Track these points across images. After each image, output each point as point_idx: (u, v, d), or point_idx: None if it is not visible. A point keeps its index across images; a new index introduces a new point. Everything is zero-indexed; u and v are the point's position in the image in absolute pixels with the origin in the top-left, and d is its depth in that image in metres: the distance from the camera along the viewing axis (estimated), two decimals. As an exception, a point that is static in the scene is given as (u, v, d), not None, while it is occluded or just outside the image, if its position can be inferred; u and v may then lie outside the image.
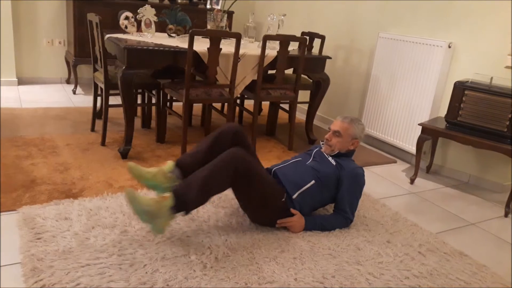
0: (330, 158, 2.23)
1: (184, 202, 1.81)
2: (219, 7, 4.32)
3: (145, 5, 3.16)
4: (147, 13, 3.13)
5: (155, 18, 3.18)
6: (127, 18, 3.21)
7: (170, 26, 3.33)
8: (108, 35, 2.98)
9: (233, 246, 1.91)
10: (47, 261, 1.66)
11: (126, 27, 3.22)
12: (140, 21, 3.15)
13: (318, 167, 2.18)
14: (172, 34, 3.34)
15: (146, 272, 1.67)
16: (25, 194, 2.19)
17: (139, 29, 3.25)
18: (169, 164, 2.00)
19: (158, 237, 1.91)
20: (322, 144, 2.31)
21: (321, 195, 2.17)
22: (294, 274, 1.77)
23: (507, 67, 2.85)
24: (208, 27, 3.33)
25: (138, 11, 3.11)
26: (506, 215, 2.67)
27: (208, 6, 4.70)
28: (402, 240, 2.16)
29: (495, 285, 1.89)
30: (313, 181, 2.13)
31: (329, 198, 2.22)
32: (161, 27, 3.54)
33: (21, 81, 4.51)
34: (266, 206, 2.05)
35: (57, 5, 4.52)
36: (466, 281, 1.89)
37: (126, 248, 1.80)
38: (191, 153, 2.07)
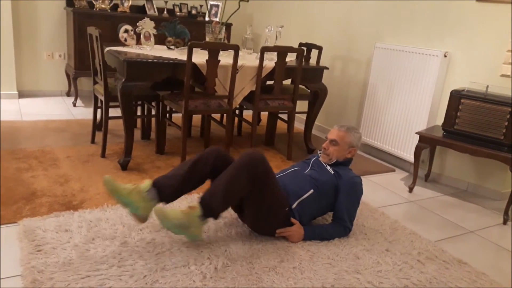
0: (328, 167, 2.25)
1: (211, 209, 1.90)
2: (217, 20, 4.38)
3: (144, 18, 3.20)
4: (147, 26, 3.17)
5: (154, 31, 3.22)
6: (126, 31, 3.25)
7: (169, 38, 3.37)
8: (107, 48, 3.02)
9: (233, 256, 1.92)
10: (47, 273, 1.67)
11: (125, 40, 3.26)
12: (140, 34, 3.19)
13: (316, 176, 2.19)
14: (171, 47, 3.38)
15: (146, 283, 1.67)
16: (26, 206, 2.20)
17: (138, 42, 3.29)
18: (146, 183, 1.92)
19: (158, 248, 1.92)
20: (320, 153, 2.34)
21: (320, 204, 2.19)
22: (293, 284, 1.78)
23: (502, 75, 2.88)
24: (207, 39, 3.37)
25: (138, 24, 3.15)
26: (504, 223, 2.68)
27: (207, 19, 4.76)
28: (401, 249, 2.17)
29: (494, 293, 1.90)
30: (311, 190, 2.14)
31: (328, 207, 2.23)
32: (160, 40, 3.58)
33: (21, 94, 4.54)
34: (272, 213, 2.06)
35: (57, 19, 4.57)
36: (465, 289, 1.89)
37: (126, 259, 1.80)
38: (169, 175, 1.99)
